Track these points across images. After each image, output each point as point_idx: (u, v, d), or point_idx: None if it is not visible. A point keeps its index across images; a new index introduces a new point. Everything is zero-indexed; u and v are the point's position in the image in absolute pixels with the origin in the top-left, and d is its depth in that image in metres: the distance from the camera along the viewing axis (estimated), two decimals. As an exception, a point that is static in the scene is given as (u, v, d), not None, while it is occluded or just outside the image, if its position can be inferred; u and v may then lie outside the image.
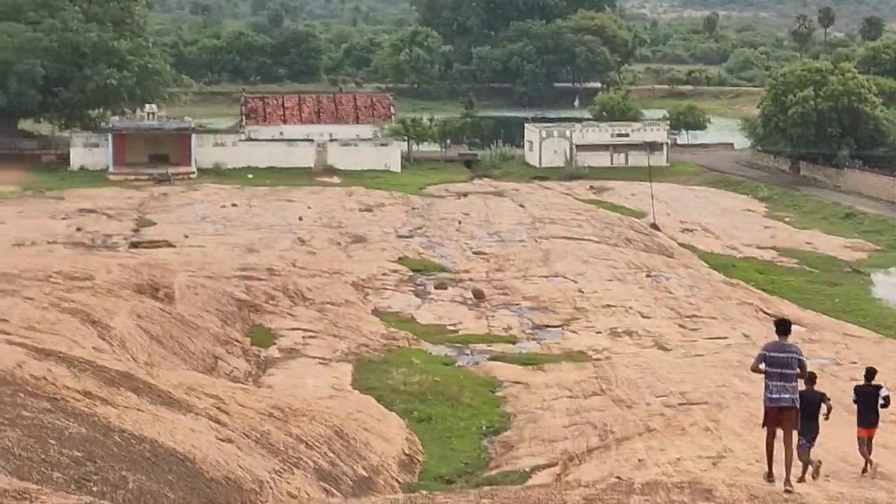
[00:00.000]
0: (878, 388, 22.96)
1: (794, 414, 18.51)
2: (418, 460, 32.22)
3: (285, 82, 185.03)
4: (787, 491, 17.94)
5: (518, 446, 33.72)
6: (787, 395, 18.25)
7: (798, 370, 18.30)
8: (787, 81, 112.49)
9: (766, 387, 18.38)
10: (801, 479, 19.51)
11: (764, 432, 18.80)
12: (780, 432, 18.60)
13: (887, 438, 28.46)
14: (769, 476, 18.52)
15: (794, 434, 18.89)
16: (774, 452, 18.59)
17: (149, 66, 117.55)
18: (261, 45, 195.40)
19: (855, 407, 23.07)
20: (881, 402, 22.77)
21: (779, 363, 18.22)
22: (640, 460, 26.98)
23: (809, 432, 20.85)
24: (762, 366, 18.46)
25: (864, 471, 22.99)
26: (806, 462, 20.22)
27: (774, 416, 18.46)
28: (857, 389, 23.13)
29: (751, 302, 59.87)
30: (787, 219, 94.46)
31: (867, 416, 22.79)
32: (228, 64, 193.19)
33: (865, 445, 23.00)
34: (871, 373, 23.22)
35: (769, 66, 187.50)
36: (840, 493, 18.04)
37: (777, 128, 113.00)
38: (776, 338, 18.70)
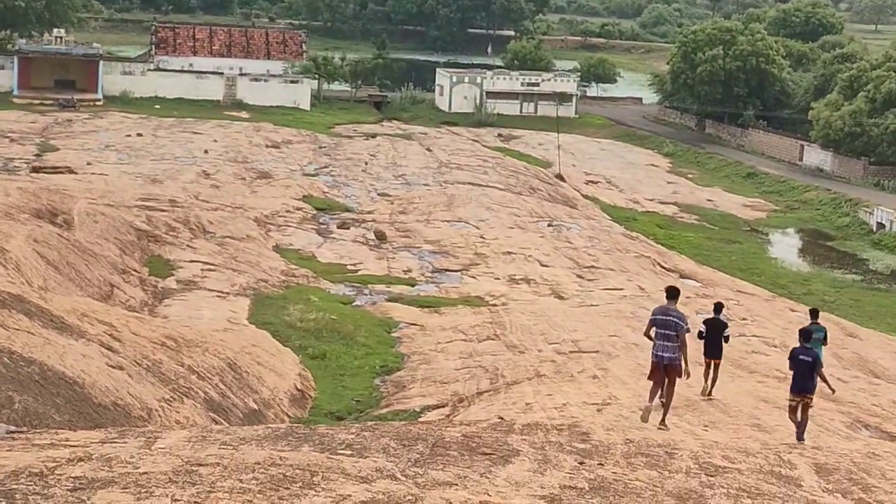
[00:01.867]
0: (725, 324, 25.05)
1: (674, 369, 20.35)
2: (310, 396, 32.41)
3: (197, 13, 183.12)
4: (660, 427, 20.04)
5: (410, 386, 34.01)
6: (667, 354, 20.15)
7: (676, 333, 20.07)
8: (698, 39, 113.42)
9: (654, 345, 20.34)
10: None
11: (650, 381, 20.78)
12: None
13: (768, 392, 29.20)
14: (646, 412, 20.42)
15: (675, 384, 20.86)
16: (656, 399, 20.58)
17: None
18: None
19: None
20: (725, 334, 24.80)
21: (663, 325, 20.12)
22: (527, 404, 27.36)
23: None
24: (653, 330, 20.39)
25: (704, 392, 25.39)
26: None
27: (658, 370, 20.33)
28: (707, 322, 24.97)
29: (649, 255, 60.68)
30: (689, 175, 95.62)
31: (713, 347, 24.77)
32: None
33: (712, 371, 25.24)
34: (719, 307, 25.33)
35: (682, 24, 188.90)
36: (715, 442, 18.51)
37: (685, 85, 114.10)
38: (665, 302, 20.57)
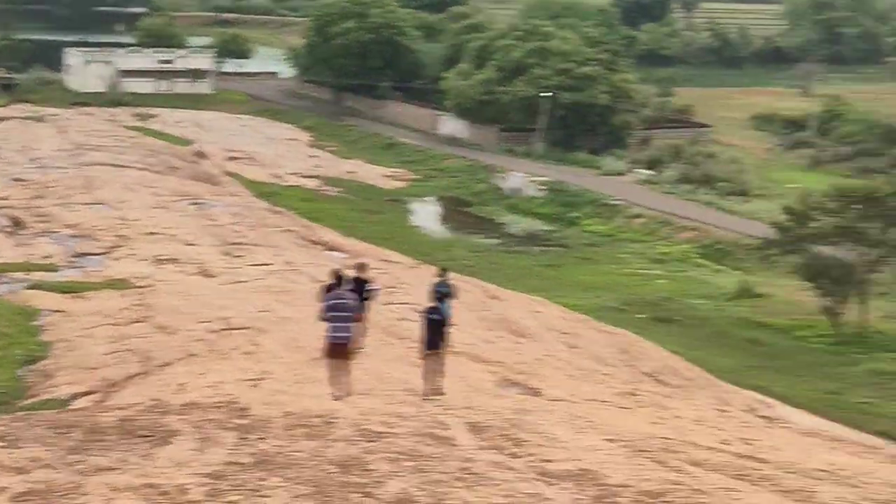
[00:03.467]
0: (366, 281, 25.80)
1: (346, 348, 21.17)
2: (-50, 391, 31.07)
3: None
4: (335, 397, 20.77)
5: (57, 375, 33.02)
6: (341, 334, 20.98)
7: (350, 313, 21.20)
8: (331, 13, 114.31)
9: (328, 327, 21.11)
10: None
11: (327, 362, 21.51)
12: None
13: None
14: (334, 396, 20.78)
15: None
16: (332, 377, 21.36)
17: None
18: None
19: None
20: (366, 294, 25.41)
21: (335, 308, 21.08)
22: (180, 385, 27.06)
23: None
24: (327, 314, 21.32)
25: None
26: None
27: (332, 350, 21.13)
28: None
29: (294, 229, 60.88)
30: (330, 148, 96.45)
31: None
32: None
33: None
34: (361, 266, 26.42)
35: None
36: (372, 408, 18.86)
37: (321, 59, 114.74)
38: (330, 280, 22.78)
